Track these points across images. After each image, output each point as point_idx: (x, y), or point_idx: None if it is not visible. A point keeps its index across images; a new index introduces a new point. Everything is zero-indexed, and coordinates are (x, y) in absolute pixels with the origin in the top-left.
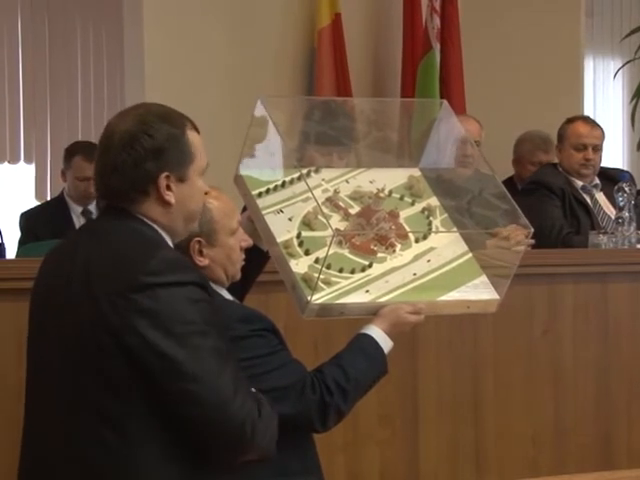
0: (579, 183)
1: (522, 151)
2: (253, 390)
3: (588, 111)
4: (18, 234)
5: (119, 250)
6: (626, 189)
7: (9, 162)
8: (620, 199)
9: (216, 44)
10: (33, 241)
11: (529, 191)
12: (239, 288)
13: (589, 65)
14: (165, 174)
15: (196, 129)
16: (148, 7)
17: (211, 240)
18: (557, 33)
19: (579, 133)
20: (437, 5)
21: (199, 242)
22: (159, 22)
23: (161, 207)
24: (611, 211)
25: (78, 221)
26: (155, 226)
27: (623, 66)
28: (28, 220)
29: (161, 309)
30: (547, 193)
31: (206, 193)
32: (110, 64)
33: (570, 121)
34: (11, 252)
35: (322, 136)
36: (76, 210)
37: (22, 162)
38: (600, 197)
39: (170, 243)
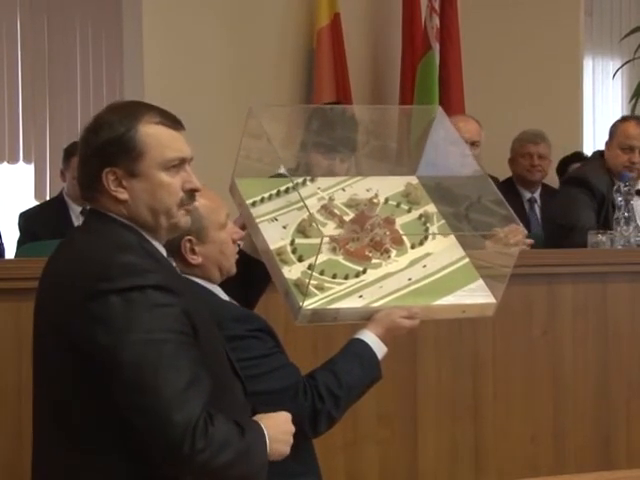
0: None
1: (514, 147)
2: (213, 411)
3: (587, 111)
4: (17, 234)
5: (83, 257)
6: (622, 189)
7: (8, 162)
8: (619, 199)
9: (215, 44)
10: (32, 241)
11: (572, 184)
12: (244, 305)
13: (588, 65)
14: (107, 170)
15: (165, 123)
16: (147, 7)
17: (202, 237)
18: (556, 33)
19: (628, 134)
20: (436, 5)
21: (190, 240)
22: (158, 22)
23: (117, 203)
24: None
25: (77, 221)
26: (129, 223)
27: (622, 66)
28: (27, 220)
29: (114, 316)
30: (588, 193)
31: (195, 190)
32: (109, 64)
33: (623, 120)
34: (10, 252)
35: (319, 146)
36: (75, 210)
37: (21, 162)
38: (637, 205)
39: (154, 241)
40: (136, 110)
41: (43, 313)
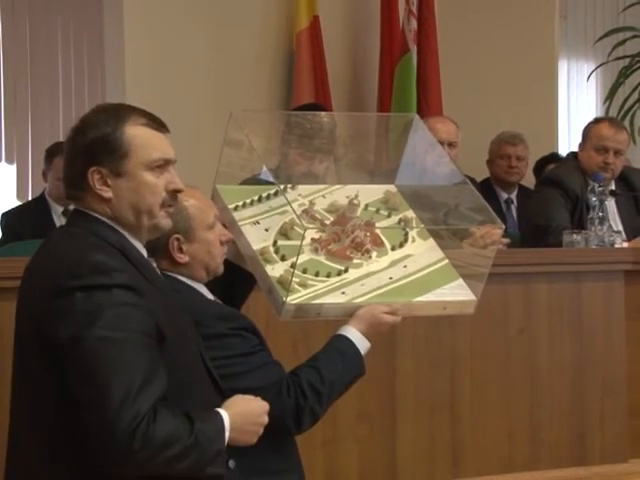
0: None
1: (492, 148)
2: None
3: (562, 113)
4: None
5: (55, 255)
6: (597, 189)
7: None
8: (593, 199)
9: (195, 47)
10: (14, 241)
11: (547, 185)
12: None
13: (563, 67)
14: (93, 169)
15: (152, 125)
16: (128, 9)
17: (189, 236)
18: (532, 35)
19: (602, 135)
20: (414, 8)
21: (178, 239)
22: (139, 24)
23: (102, 202)
24: (616, 221)
25: (59, 221)
26: (113, 224)
27: (597, 68)
28: (9, 220)
29: (75, 312)
30: (563, 194)
31: (177, 191)
32: (91, 65)
33: (596, 121)
34: None
35: (298, 149)
36: (57, 210)
37: (3, 162)
38: (610, 205)
39: (134, 241)
40: (123, 111)
41: (21, 314)
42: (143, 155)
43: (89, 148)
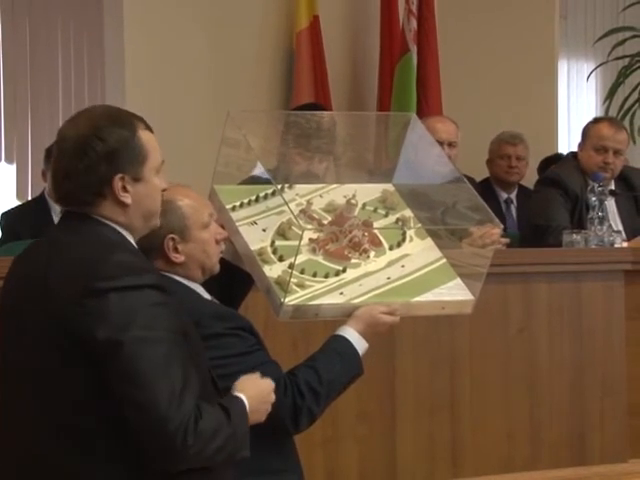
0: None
1: (492, 148)
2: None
3: (562, 112)
4: None
5: (75, 256)
6: (596, 189)
7: None
8: (593, 199)
9: (195, 47)
10: (13, 240)
11: (546, 185)
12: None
13: (563, 67)
14: (119, 176)
15: (148, 128)
16: (128, 9)
17: (185, 236)
18: (532, 35)
19: (601, 135)
20: (414, 8)
21: (173, 239)
22: (139, 24)
23: (118, 208)
24: (616, 220)
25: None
26: (115, 226)
27: (596, 68)
28: (8, 219)
29: (113, 313)
30: (562, 193)
31: (164, 190)
32: (91, 66)
33: (595, 121)
34: None
35: (297, 148)
36: (56, 210)
37: (3, 162)
38: (610, 204)
39: (132, 241)
40: (128, 116)
41: (23, 314)
42: (154, 159)
43: (113, 154)
